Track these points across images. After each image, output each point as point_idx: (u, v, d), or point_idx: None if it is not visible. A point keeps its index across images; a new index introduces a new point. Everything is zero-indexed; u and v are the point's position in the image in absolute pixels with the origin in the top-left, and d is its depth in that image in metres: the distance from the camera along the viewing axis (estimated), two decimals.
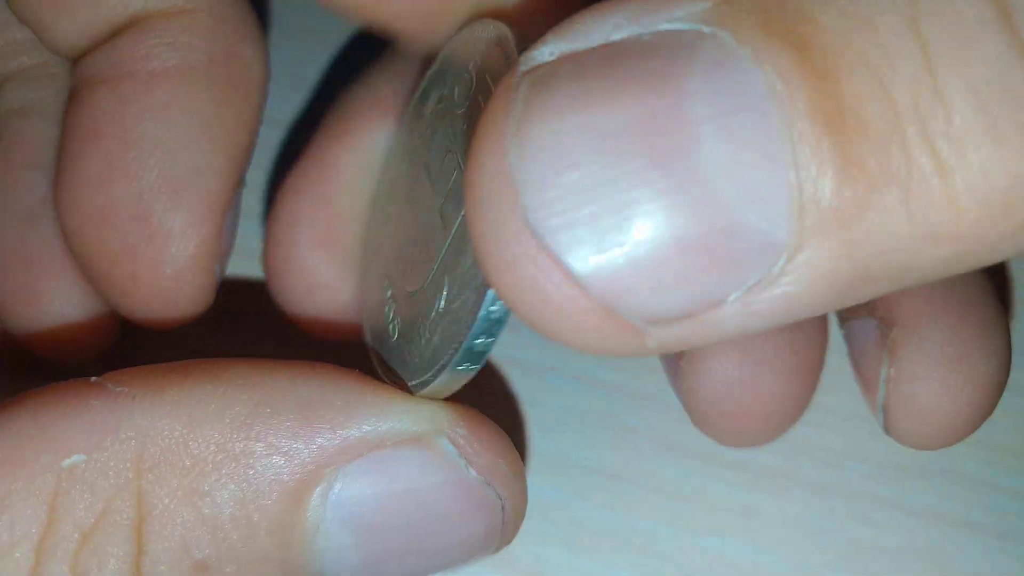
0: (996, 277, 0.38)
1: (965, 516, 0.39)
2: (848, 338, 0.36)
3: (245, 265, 0.38)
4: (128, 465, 0.24)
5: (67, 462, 0.23)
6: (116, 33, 0.32)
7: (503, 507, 0.27)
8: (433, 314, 0.25)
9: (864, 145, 0.19)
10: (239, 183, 0.33)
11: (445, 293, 0.25)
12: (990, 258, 0.20)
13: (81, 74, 0.32)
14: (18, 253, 0.34)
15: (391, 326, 0.28)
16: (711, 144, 0.19)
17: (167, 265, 0.31)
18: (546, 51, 0.20)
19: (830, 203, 0.19)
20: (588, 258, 0.19)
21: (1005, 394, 0.40)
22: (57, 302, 0.34)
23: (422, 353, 0.26)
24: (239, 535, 0.24)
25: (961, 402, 0.32)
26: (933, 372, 0.32)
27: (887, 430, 0.35)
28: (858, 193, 0.19)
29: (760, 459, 0.39)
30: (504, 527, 0.28)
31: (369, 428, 0.25)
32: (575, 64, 0.20)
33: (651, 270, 0.19)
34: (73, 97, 0.32)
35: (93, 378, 0.25)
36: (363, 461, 0.25)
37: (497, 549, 0.28)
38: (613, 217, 0.19)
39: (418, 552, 0.26)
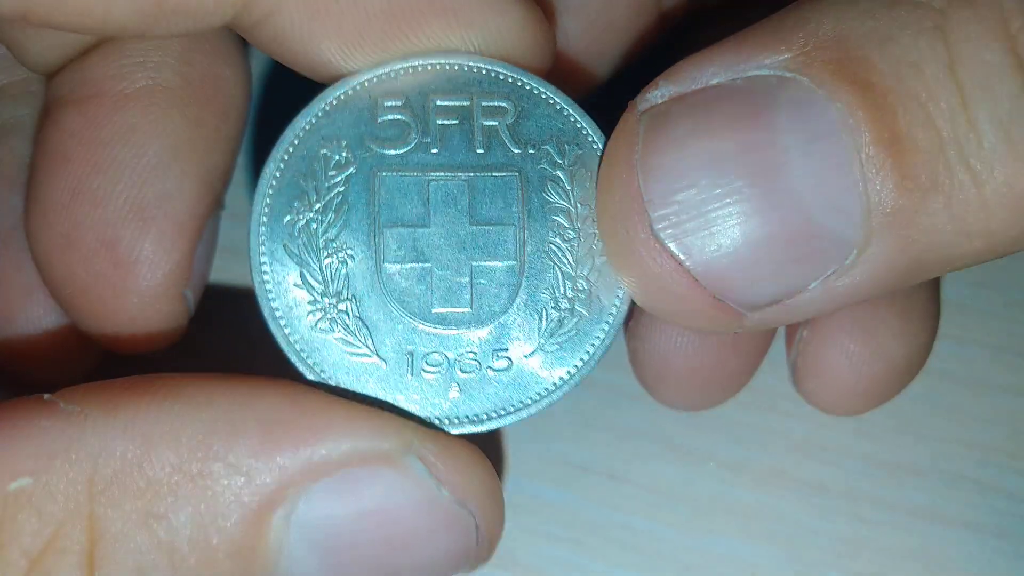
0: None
1: (963, 516, 0.38)
2: None
3: (238, 267, 0.38)
4: (79, 488, 0.22)
5: (13, 485, 0.22)
6: (88, 51, 0.31)
7: (477, 526, 0.26)
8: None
9: (916, 163, 0.23)
10: (215, 207, 0.32)
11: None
12: (1012, 251, 0.25)
13: (52, 93, 0.31)
14: None
15: (462, 372, 0.28)
16: (797, 165, 0.24)
17: (134, 293, 0.30)
18: (658, 94, 0.26)
19: (891, 209, 0.23)
20: (701, 258, 0.25)
21: (1001, 396, 0.40)
22: (33, 321, 0.33)
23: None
24: (197, 559, 0.23)
25: (863, 373, 0.34)
26: (840, 340, 0.34)
27: (795, 388, 0.37)
28: (913, 201, 0.23)
29: (759, 459, 0.39)
30: (479, 546, 0.26)
31: (334, 446, 0.24)
32: (683, 104, 0.25)
33: (750, 267, 0.24)
34: (44, 116, 0.31)
35: (46, 396, 0.23)
36: (329, 481, 0.24)
37: (472, 569, 0.27)
38: (721, 225, 0.24)
39: (388, 573, 0.25)
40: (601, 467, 0.39)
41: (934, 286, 0.36)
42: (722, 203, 0.24)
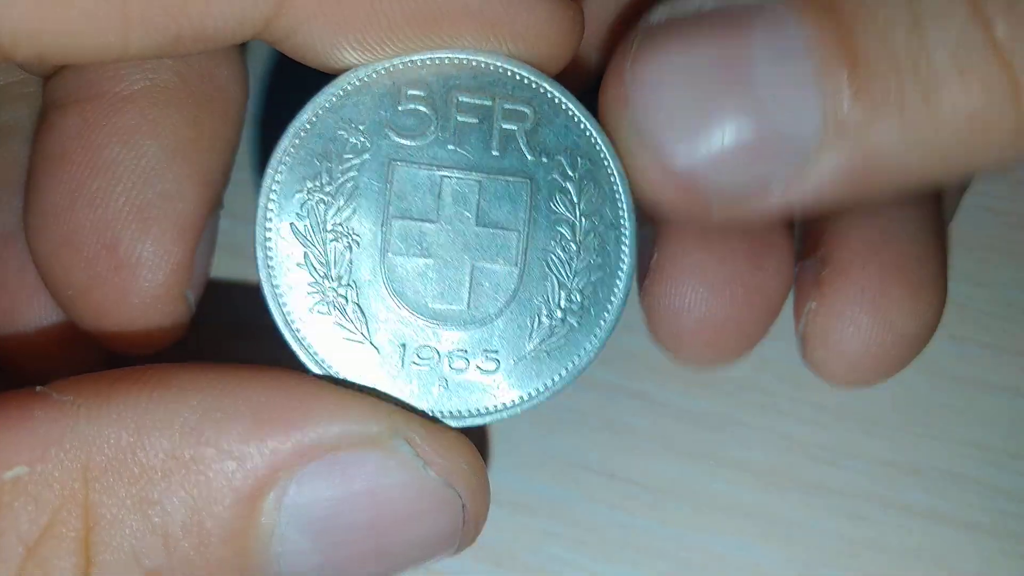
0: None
1: (963, 516, 0.38)
2: (798, 276, 0.37)
3: (231, 264, 0.38)
4: (74, 476, 0.23)
5: (9, 474, 0.22)
6: None
7: (463, 507, 0.26)
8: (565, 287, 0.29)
9: (870, 79, 0.26)
10: (214, 207, 0.32)
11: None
12: (965, 169, 0.28)
13: (50, 95, 0.31)
14: None
15: (464, 368, 0.28)
16: (764, 75, 0.26)
17: (135, 294, 0.30)
18: (656, 16, 0.28)
19: (845, 118, 0.26)
20: (674, 149, 0.27)
21: (1001, 396, 0.40)
22: (34, 322, 0.33)
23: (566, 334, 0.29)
24: (191, 543, 0.23)
25: (870, 343, 0.34)
26: (848, 311, 0.34)
27: (804, 359, 0.36)
28: (865, 112, 0.26)
29: (758, 459, 0.39)
30: (465, 527, 0.26)
31: (323, 430, 0.24)
32: (675, 24, 0.28)
33: (717, 159, 0.27)
34: (42, 119, 0.31)
35: (38, 388, 0.24)
36: (319, 464, 0.24)
37: (459, 549, 0.27)
38: (692, 122, 0.27)
39: (377, 553, 0.25)
40: (601, 467, 0.39)
41: (942, 263, 0.36)
42: (694, 103, 0.27)
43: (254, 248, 0.27)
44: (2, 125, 0.34)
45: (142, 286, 0.30)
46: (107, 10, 0.24)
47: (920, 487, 0.38)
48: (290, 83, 0.41)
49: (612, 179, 0.29)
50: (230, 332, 0.38)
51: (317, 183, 0.28)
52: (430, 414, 0.28)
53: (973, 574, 0.37)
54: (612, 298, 0.29)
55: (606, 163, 0.29)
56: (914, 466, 0.39)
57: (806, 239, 0.37)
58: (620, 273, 0.29)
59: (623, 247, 0.29)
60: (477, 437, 0.38)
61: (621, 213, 0.29)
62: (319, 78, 0.28)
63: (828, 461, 0.39)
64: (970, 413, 0.39)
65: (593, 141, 0.29)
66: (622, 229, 0.29)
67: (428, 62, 0.28)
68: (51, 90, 0.31)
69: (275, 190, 0.27)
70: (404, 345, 0.28)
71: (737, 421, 0.39)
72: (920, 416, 0.39)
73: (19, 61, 0.25)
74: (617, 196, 0.29)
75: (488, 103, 0.29)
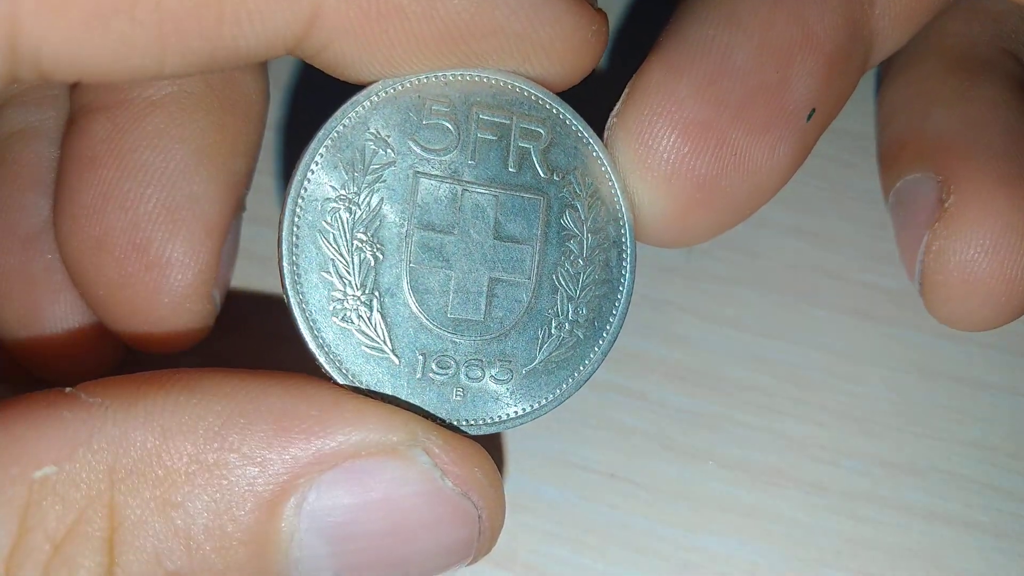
0: None
1: (962, 515, 0.38)
2: (899, 197, 0.34)
3: (251, 269, 0.39)
4: (100, 476, 0.23)
5: (39, 473, 0.23)
6: None
7: (480, 517, 0.27)
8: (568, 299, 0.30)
9: None
10: (238, 209, 0.33)
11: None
12: None
13: (78, 100, 0.32)
14: (21, 273, 0.33)
15: (480, 380, 0.29)
16: None
17: (165, 294, 0.31)
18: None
19: None
20: None
21: (1001, 396, 0.40)
22: (58, 321, 0.34)
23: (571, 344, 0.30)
24: (212, 546, 0.24)
25: (1011, 276, 0.31)
26: (988, 240, 0.31)
27: (924, 297, 0.33)
28: None
29: (758, 459, 0.39)
30: (481, 537, 0.27)
31: (344, 438, 0.25)
32: None
33: None
34: (71, 124, 0.32)
35: (67, 389, 0.24)
36: (338, 471, 0.25)
37: (475, 559, 0.28)
38: None
39: (394, 561, 0.26)
40: (601, 467, 0.39)
41: None
42: None
43: (280, 256, 0.28)
44: (28, 127, 0.35)
45: (172, 285, 0.31)
46: (145, 35, 0.24)
47: (920, 487, 0.39)
48: (311, 88, 0.42)
49: (616, 199, 0.30)
50: (254, 339, 0.38)
51: (343, 192, 0.28)
52: (448, 422, 0.29)
53: (973, 574, 0.37)
54: (614, 311, 0.30)
55: (611, 184, 0.30)
56: (914, 466, 0.39)
57: (897, 153, 0.35)
58: (621, 288, 0.30)
59: (624, 264, 0.30)
60: (492, 446, 0.38)
61: (622, 232, 0.30)
62: (340, 85, 0.29)
63: (828, 461, 0.39)
64: (970, 413, 0.40)
65: (600, 163, 0.30)
66: (623, 247, 0.30)
67: (452, 78, 0.29)
68: (79, 95, 0.32)
69: (303, 197, 0.28)
70: (424, 355, 0.29)
71: (737, 421, 0.40)
72: (920, 416, 0.39)
73: (58, 83, 0.26)
74: (619, 216, 0.30)
75: (506, 121, 0.30)
